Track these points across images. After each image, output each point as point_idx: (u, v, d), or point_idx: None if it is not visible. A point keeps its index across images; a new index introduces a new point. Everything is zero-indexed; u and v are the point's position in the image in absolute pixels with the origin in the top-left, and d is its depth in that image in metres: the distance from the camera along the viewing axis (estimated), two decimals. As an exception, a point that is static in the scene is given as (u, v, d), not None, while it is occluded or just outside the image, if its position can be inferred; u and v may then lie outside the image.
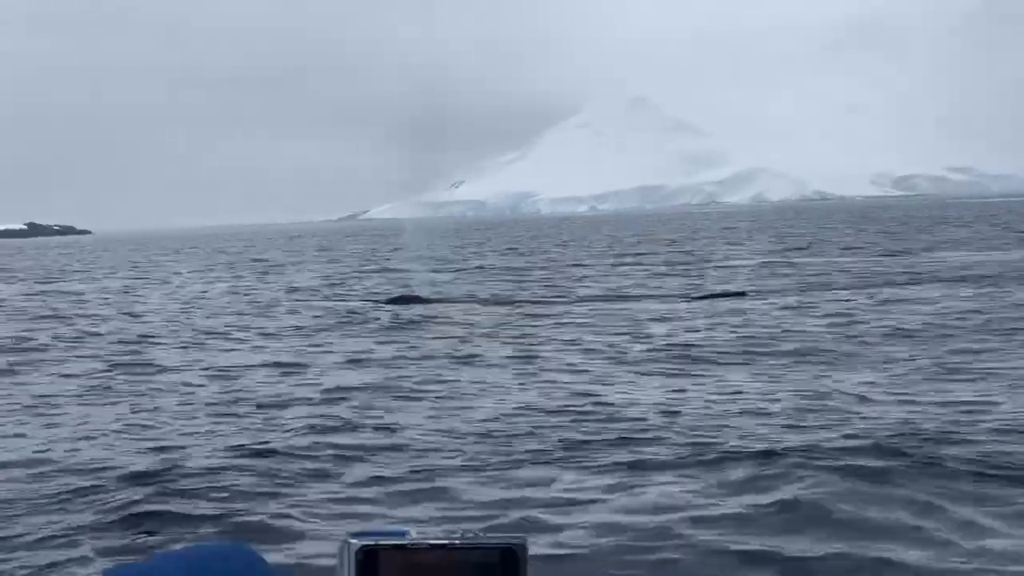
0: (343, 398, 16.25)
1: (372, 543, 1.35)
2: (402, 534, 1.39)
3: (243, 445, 12.85)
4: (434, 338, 23.81)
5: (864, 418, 13.61)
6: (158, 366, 21.13)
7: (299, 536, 9.46)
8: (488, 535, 1.39)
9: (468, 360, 20.06)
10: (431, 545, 1.38)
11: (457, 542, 1.38)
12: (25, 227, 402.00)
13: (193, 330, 27.82)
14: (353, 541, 1.38)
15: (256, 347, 23.47)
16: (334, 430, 13.77)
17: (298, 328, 27.33)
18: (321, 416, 14.76)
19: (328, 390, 17.07)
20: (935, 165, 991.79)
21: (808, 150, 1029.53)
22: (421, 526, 1.36)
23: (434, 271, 48.69)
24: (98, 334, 27.50)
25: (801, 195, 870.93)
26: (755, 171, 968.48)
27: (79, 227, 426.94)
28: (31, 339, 26.56)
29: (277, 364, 20.70)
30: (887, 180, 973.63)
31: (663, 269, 45.66)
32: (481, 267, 52.17)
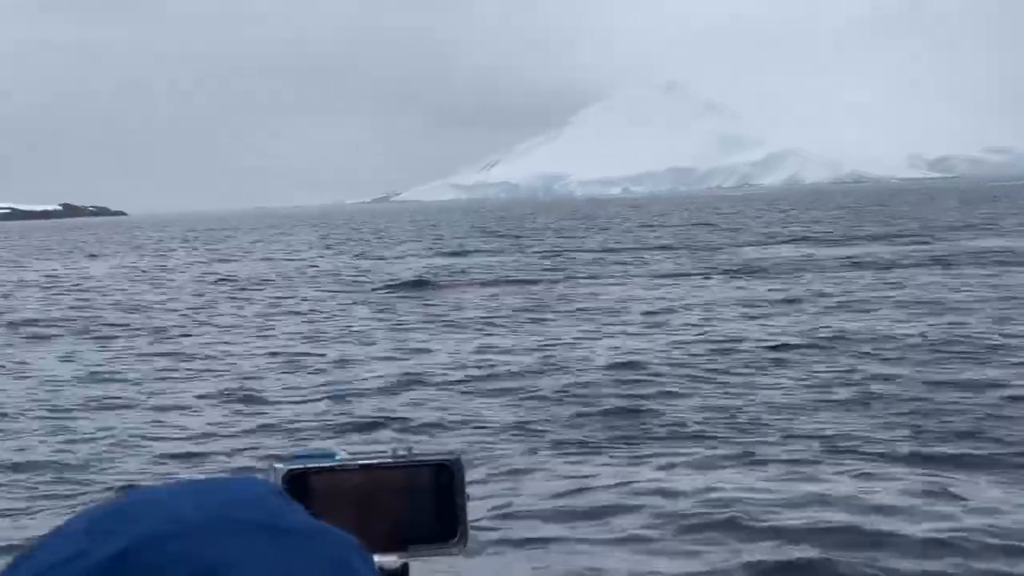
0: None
1: (300, 467, 1.27)
2: (331, 455, 1.31)
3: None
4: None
5: None
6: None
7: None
8: (420, 453, 1.34)
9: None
10: (361, 466, 1.31)
11: (389, 461, 1.32)
12: (61, 208, 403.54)
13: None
14: (279, 466, 1.30)
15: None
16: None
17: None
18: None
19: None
20: (973, 146, 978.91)
21: (842, 131, 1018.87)
22: (352, 446, 1.32)
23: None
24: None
25: (835, 177, 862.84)
26: (789, 153, 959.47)
27: (113, 208, 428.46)
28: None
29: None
30: (923, 161, 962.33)
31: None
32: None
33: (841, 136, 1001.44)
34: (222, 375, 17.87)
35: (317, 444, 8.66)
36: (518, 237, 63.02)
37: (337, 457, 1.31)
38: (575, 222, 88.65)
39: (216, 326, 25.24)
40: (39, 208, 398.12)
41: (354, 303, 29.59)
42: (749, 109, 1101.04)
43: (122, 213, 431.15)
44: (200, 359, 19.77)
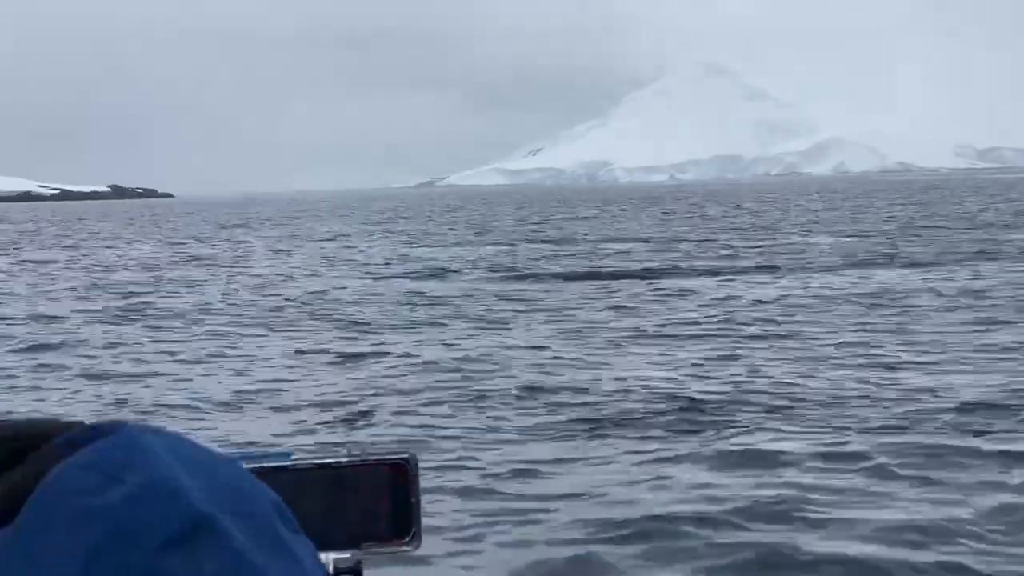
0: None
1: (255, 466, 1.29)
2: (286, 455, 1.35)
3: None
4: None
5: None
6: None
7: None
8: (375, 453, 1.38)
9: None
10: (317, 465, 1.34)
11: (344, 460, 1.36)
12: (109, 189, 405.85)
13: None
14: None
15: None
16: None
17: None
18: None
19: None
20: (1021, 136, 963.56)
21: (890, 121, 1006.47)
22: (307, 448, 1.33)
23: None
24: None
25: (882, 167, 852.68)
26: (836, 141, 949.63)
27: (160, 190, 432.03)
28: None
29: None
30: (971, 151, 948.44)
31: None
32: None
33: (887, 125, 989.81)
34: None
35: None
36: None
37: (292, 457, 1.34)
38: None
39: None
40: (88, 189, 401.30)
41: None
42: (796, 97, 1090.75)
43: (169, 195, 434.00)
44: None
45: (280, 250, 47.35)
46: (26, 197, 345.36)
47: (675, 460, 10.28)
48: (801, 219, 60.81)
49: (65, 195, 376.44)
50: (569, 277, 29.15)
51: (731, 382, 13.74)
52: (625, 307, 22.30)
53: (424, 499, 1.32)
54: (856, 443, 10.51)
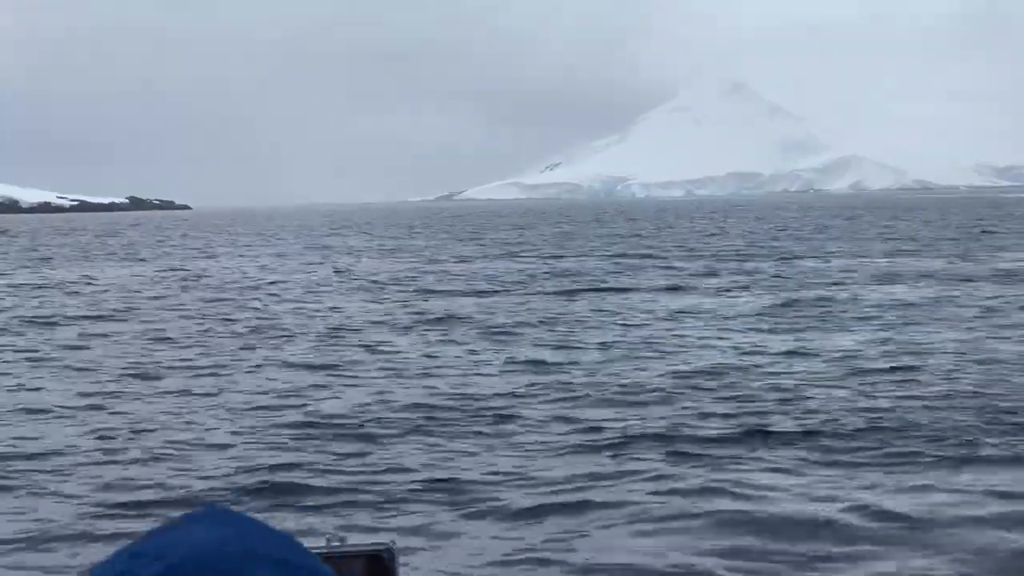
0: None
1: None
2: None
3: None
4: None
5: None
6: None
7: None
8: (353, 544, 1.35)
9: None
10: None
11: (324, 550, 1.33)
12: (127, 201, 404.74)
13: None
14: None
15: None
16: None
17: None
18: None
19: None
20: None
21: (908, 138, 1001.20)
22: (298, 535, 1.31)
23: None
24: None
25: (901, 184, 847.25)
26: (853, 159, 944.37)
27: (178, 202, 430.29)
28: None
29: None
30: (990, 170, 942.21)
31: None
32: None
33: (905, 143, 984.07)
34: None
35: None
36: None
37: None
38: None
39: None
40: (106, 200, 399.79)
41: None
42: (814, 113, 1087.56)
43: (186, 207, 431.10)
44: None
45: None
46: (46, 208, 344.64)
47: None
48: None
49: (84, 206, 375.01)
50: None
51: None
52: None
53: None
54: None
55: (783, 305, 25.69)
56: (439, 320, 24.26)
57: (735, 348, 19.37)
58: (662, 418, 13.42)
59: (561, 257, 46.73)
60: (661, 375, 16.20)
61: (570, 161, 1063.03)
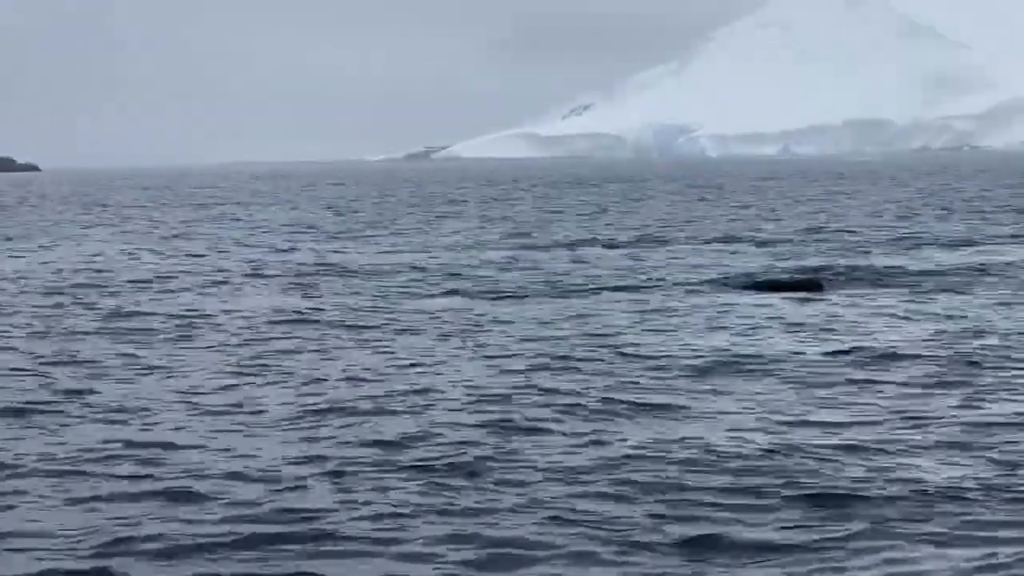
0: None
1: None
2: None
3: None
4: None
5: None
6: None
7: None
8: None
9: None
10: None
11: None
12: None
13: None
14: None
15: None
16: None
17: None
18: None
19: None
20: None
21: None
22: None
23: None
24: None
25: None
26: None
27: (19, 160, 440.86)
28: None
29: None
30: None
31: None
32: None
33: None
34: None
35: None
36: None
37: None
38: None
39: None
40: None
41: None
42: (973, 36, 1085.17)
43: (32, 167, 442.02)
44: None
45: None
46: None
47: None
48: None
49: None
50: None
51: None
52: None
53: None
54: None
55: None
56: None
57: None
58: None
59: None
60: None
61: (605, 103, 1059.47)
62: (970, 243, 49.32)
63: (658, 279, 38.12)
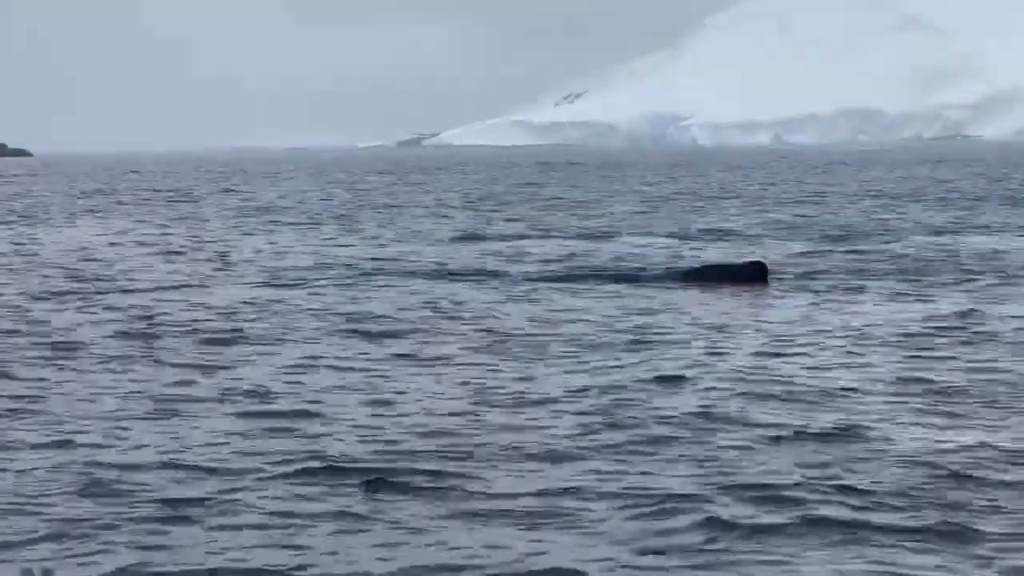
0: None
1: None
2: None
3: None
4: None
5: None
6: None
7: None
8: None
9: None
10: None
11: None
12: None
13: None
14: None
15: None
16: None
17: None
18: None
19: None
20: None
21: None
22: None
23: None
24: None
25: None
26: (1020, 92, 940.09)
27: (11, 145, 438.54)
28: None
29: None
30: None
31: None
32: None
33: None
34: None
35: None
36: None
37: None
38: None
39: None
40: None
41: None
42: (966, 25, 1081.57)
43: (23, 152, 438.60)
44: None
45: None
46: None
47: None
48: None
49: None
50: None
51: None
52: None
53: None
54: None
55: None
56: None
57: None
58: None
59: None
60: None
61: (599, 91, 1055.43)
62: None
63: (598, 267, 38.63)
